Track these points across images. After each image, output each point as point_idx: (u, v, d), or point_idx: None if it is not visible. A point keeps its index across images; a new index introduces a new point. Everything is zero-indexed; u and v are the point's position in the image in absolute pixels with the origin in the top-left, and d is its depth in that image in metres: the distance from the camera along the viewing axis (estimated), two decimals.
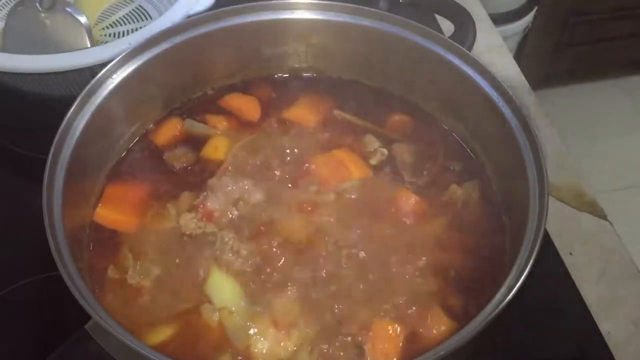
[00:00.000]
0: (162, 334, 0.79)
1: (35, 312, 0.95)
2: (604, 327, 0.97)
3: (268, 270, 0.83)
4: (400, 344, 0.78)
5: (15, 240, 1.02)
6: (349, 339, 0.78)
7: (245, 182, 0.90)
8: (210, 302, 0.80)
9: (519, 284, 0.70)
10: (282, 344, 0.77)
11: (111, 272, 0.83)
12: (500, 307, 0.69)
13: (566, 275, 1.03)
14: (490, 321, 0.69)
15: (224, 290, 0.81)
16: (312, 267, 0.83)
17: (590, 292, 1.01)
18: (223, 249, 0.84)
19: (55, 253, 0.72)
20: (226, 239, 0.84)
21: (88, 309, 0.67)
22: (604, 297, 1.01)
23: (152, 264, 0.84)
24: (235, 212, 0.88)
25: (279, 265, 0.83)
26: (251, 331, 0.78)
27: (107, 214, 0.89)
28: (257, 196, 0.90)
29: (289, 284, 0.82)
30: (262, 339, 0.78)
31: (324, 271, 0.83)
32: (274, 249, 0.84)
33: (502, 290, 0.71)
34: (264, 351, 0.77)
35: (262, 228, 0.86)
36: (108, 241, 0.86)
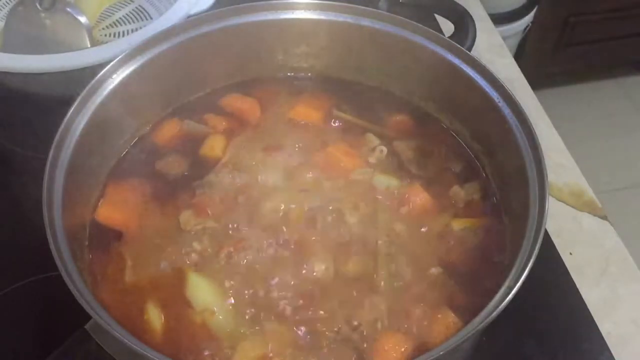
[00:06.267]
0: (156, 333, 0.78)
1: (35, 312, 0.95)
2: (604, 327, 0.97)
3: (260, 269, 0.83)
4: (400, 344, 0.77)
5: (15, 240, 1.02)
6: (349, 344, 0.77)
7: (243, 177, 0.91)
8: (190, 305, 0.80)
9: (519, 284, 0.70)
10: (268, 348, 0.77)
11: (111, 272, 0.83)
12: (500, 307, 0.69)
13: (566, 275, 1.03)
14: (490, 321, 0.69)
15: (203, 293, 0.80)
16: (308, 263, 0.83)
17: (590, 292, 1.01)
18: (203, 252, 0.84)
19: (55, 253, 0.72)
20: (203, 244, 0.84)
21: (88, 309, 0.67)
22: (604, 297, 1.01)
23: (152, 263, 0.84)
24: (233, 207, 0.88)
25: (273, 263, 0.83)
26: (238, 331, 0.78)
27: (107, 214, 0.89)
28: (254, 191, 0.90)
29: (281, 281, 0.81)
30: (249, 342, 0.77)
31: (322, 267, 0.83)
32: (270, 247, 0.84)
33: (502, 290, 0.71)
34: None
35: (257, 224, 0.86)
36: (108, 241, 0.86)
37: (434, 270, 0.84)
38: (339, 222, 0.87)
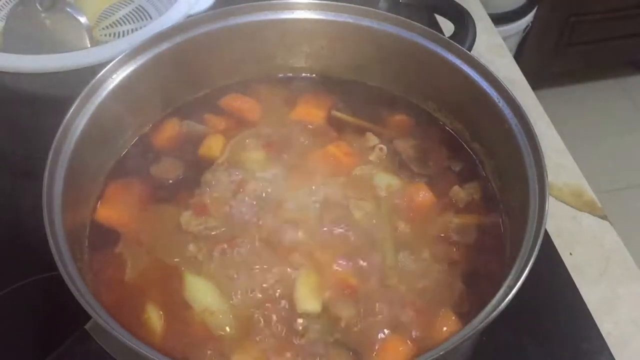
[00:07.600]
0: (155, 333, 0.78)
1: (35, 312, 0.95)
2: (604, 327, 0.97)
3: (261, 268, 0.82)
4: (400, 344, 0.77)
5: (15, 240, 1.02)
6: (348, 344, 0.77)
7: (242, 177, 0.91)
8: (190, 306, 0.80)
9: (519, 284, 0.70)
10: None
11: (111, 272, 0.83)
12: (500, 307, 0.69)
13: (566, 275, 1.03)
14: (490, 321, 0.69)
15: (202, 294, 0.80)
16: (302, 257, 0.83)
17: (590, 292, 1.01)
18: (202, 252, 0.84)
19: (55, 253, 0.72)
20: (203, 243, 0.84)
21: (88, 309, 0.67)
22: (604, 297, 1.02)
23: (152, 263, 0.84)
24: (230, 205, 0.88)
25: (273, 262, 0.83)
26: (237, 331, 0.78)
27: (107, 214, 0.89)
28: (254, 190, 0.90)
29: (281, 280, 0.81)
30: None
31: (319, 264, 0.83)
32: (270, 246, 0.84)
33: (502, 290, 0.71)
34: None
35: (256, 223, 0.86)
36: (108, 241, 0.86)
37: (434, 270, 0.84)
38: (338, 221, 0.87)
